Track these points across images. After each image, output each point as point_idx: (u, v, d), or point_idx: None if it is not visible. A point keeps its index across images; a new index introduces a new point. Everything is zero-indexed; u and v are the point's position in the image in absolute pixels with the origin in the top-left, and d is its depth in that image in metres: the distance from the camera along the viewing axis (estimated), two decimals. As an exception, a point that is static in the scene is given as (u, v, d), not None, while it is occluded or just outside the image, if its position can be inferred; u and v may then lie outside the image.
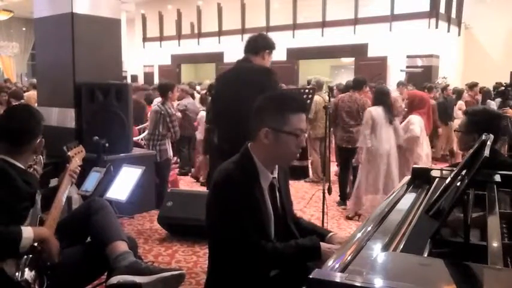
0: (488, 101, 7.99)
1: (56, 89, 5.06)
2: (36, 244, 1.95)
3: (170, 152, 5.31)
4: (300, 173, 6.68)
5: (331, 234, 1.95)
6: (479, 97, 8.64)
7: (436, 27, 11.80)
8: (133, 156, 4.77)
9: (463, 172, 1.40)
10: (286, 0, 13.97)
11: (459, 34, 13.31)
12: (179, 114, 6.80)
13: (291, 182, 3.95)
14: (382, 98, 4.76)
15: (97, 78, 4.82)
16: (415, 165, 2.13)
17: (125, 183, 3.50)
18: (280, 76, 3.30)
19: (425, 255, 1.17)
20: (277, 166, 1.89)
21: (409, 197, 1.74)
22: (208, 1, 15.63)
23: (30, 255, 1.93)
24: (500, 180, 1.76)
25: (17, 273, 1.88)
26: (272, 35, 3.39)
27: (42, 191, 2.25)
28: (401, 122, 5.18)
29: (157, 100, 6.25)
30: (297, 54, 13.42)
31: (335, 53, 13.62)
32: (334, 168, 6.58)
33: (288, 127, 1.75)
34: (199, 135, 6.65)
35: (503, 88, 6.46)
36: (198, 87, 9.51)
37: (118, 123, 4.63)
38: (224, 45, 15.44)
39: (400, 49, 11.84)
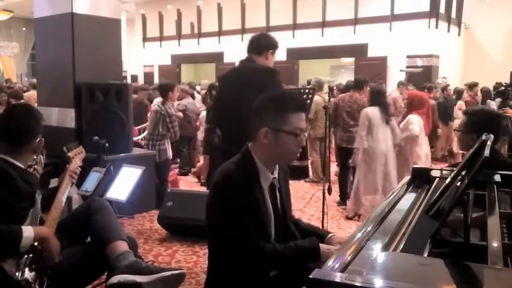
0: (488, 101, 8.00)
1: (56, 89, 5.06)
2: (36, 244, 1.95)
3: (170, 152, 5.31)
4: (300, 173, 6.68)
5: (330, 235, 1.95)
6: (479, 97, 8.63)
7: (436, 27, 11.80)
8: (133, 156, 4.77)
9: (463, 172, 1.40)
10: (286, 0, 13.97)
11: (459, 34, 13.31)
12: (180, 114, 6.81)
13: (291, 182, 3.95)
14: (378, 98, 4.77)
15: (97, 78, 4.82)
16: (415, 165, 2.13)
17: (125, 183, 3.50)
18: (280, 76, 3.29)
19: (425, 255, 1.17)
20: (277, 166, 1.89)
21: (409, 197, 1.74)
22: (208, 1, 15.63)
23: (31, 255, 1.94)
24: (500, 180, 1.76)
25: (17, 273, 1.88)
26: (272, 35, 3.38)
27: (42, 191, 2.25)
28: (400, 122, 5.19)
29: (158, 100, 6.25)
30: (297, 54, 13.41)
31: (335, 53, 13.62)
32: (334, 168, 6.58)
33: (287, 127, 1.75)
34: (201, 135, 6.65)
35: (503, 88, 6.46)
36: (198, 87, 9.51)
37: (118, 123, 4.64)
38: (224, 45, 15.44)
39: (400, 49, 11.84)
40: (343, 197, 5.37)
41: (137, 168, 3.61)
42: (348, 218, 4.94)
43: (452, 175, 1.50)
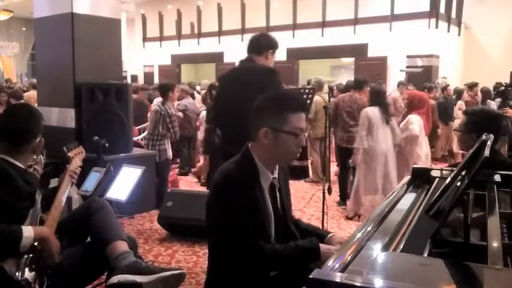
0: (488, 101, 8.00)
1: (56, 89, 5.06)
2: (36, 244, 1.95)
3: (169, 152, 5.31)
4: (300, 173, 6.68)
5: (330, 235, 1.94)
6: (479, 97, 8.63)
7: (436, 27, 11.79)
8: (133, 156, 4.77)
9: (463, 172, 1.40)
10: (286, 0, 13.96)
11: (459, 34, 13.31)
12: (181, 114, 6.82)
13: (291, 182, 3.95)
14: (378, 98, 4.77)
15: (97, 78, 4.82)
16: (415, 166, 2.13)
17: (125, 183, 3.50)
18: (280, 76, 3.29)
19: (425, 255, 1.17)
20: (277, 166, 1.89)
21: (409, 197, 1.74)
22: (208, 1, 15.63)
23: (31, 255, 1.93)
24: (500, 180, 1.76)
25: (17, 273, 1.88)
26: (272, 35, 3.37)
27: (42, 191, 2.25)
28: (400, 122, 5.19)
29: (158, 100, 6.25)
30: (297, 54, 13.41)
31: (335, 53, 13.62)
32: (334, 168, 6.58)
33: (287, 127, 1.75)
34: (201, 135, 6.65)
35: (503, 88, 6.46)
36: (198, 87, 9.52)
37: (118, 123, 4.64)
38: (224, 45, 15.44)
39: (400, 49, 11.84)
40: (343, 197, 5.37)
41: (137, 168, 3.61)
42: (348, 218, 4.94)
43: (452, 175, 1.50)
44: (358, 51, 12.78)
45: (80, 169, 2.44)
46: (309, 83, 7.48)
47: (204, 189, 5.69)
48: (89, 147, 3.40)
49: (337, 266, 1.06)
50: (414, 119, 5.02)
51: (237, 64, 3.39)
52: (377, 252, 1.16)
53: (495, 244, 1.17)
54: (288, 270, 1.73)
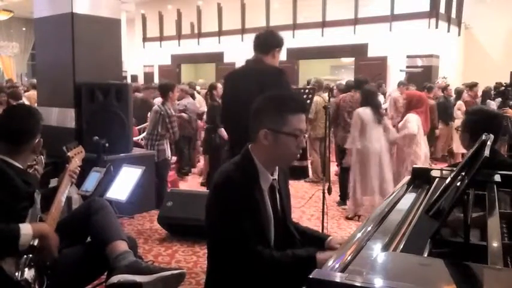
0: (488, 101, 7.99)
1: (56, 89, 5.07)
2: (36, 244, 1.94)
3: (168, 152, 5.32)
4: (300, 173, 6.68)
5: (330, 238, 1.94)
6: (479, 97, 8.63)
7: (436, 27, 11.79)
8: (133, 156, 4.77)
9: (463, 172, 1.40)
10: (286, 0, 13.96)
11: (459, 34, 13.30)
12: (185, 115, 6.83)
13: (290, 182, 3.96)
14: (369, 98, 4.80)
15: (97, 78, 4.82)
16: (415, 166, 2.13)
17: (125, 183, 3.50)
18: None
19: (425, 255, 1.17)
20: (277, 167, 1.88)
21: (409, 197, 1.74)
22: (208, 1, 15.62)
23: (30, 255, 1.93)
24: (500, 180, 1.76)
25: (16, 273, 1.87)
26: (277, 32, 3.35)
27: (41, 191, 2.25)
28: (399, 122, 5.19)
29: (158, 100, 6.25)
30: (297, 54, 13.41)
31: (335, 53, 13.61)
32: (334, 168, 6.58)
33: (287, 128, 1.74)
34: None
35: (503, 88, 6.45)
36: (198, 87, 9.52)
37: (118, 123, 4.64)
38: (224, 45, 15.43)
39: (400, 49, 11.83)
40: (343, 197, 5.37)
41: (137, 168, 3.61)
42: (347, 218, 4.94)
43: (452, 175, 1.50)
44: (358, 51, 12.77)
45: (79, 169, 2.44)
46: (308, 83, 7.48)
47: (204, 189, 5.69)
48: (89, 147, 3.40)
49: (337, 266, 1.06)
50: (412, 118, 5.02)
51: (239, 63, 3.37)
52: (377, 252, 1.16)
53: (495, 244, 1.17)
54: (284, 279, 1.72)
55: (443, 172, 1.97)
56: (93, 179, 3.02)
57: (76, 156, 2.47)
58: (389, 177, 4.80)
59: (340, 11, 12.96)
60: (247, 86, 2.92)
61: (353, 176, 4.85)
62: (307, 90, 4.13)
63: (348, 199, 5.27)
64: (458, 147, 7.41)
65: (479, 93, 8.69)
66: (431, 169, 2.01)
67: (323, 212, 3.96)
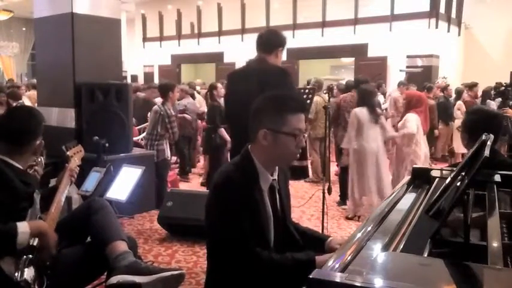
0: (488, 101, 7.99)
1: (56, 89, 5.07)
2: (35, 244, 1.94)
3: (168, 152, 5.32)
4: (300, 173, 6.68)
5: (330, 238, 1.94)
6: (479, 97, 8.62)
7: (436, 27, 11.79)
8: (133, 156, 4.77)
9: (463, 172, 1.40)
10: (286, 0, 13.96)
11: (459, 34, 13.30)
12: (188, 116, 6.83)
13: (290, 182, 3.95)
14: (366, 98, 4.82)
15: (97, 78, 4.82)
16: (415, 166, 2.13)
17: (125, 183, 3.50)
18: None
19: (425, 255, 1.17)
20: (277, 168, 1.88)
21: (409, 197, 1.73)
22: (208, 1, 15.62)
23: (30, 256, 1.93)
24: (500, 180, 1.76)
25: (16, 273, 1.87)
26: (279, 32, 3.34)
27: (41, 191, 2.25)
28: (399, 121, 5.20)
29: (158, 100, 6.25)
30: (297, 54, 13.41)
31: (335, 53, 13.62)
32: (334, 168, 6.58)
33: (286, 128, 1.74)
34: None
35: (503, 88, 6.45)
36: (198, 87, 9.53)
37: (118, 123, 4.64)
38: (224, 45, 15.44)
39: (400, 49, 11.83)
40: (343, 197, 5.37)
41: (137, 168, 3.62)
42: (347, 218, 4.95)
43: (452, 175, 1.50)
44: (358, 51, 12.77)
45: (79, 168, 2.44)
46: (308, 83, 7.48)
47: (204, 189, 5.69)
48: (89, 147, 3.41)
49: (337, 266, 1.06)
50: (412, 118, 5.03)
51: (239, 63, 3.37)
52: (377, 252, 1.16)
53: (495, 244, 1.17)
54: (283, 281, 1.72)
55: (443, 172, 1.97)
56: (93, 179, 3.02)
57: (75, 156, 2.47)
58: (387, 176, 4.81)
59: (340, 11, 12.96)
60: (250, 86, 2.90)
61: (351, 176, 4.87)
62: (307, 90, 4.13)
63: (347, 199, 5.28)
64: (459, 147, 7.40)
65: (479, 93, 8.69)
66: (431, 169, 2.01)
67: (323, 212, 3.95)
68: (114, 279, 1.97)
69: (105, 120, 4.58)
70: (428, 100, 6.76)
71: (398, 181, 4.29)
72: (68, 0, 4.74)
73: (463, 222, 1.26)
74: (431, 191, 1.76)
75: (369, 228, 1.34)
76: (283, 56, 3.39)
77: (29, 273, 1.89)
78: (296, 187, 6.18)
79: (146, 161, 4.64)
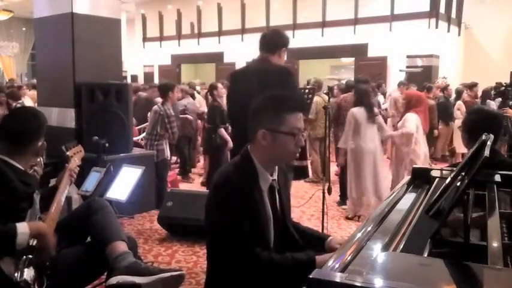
0: (488, 101, 7.99)
1: (56, 89, 5.07)
2: (34, 244, 1.94)
3: (167, 152, 5.31)
4: (300, 173, 6.67)
5: (330, 238, 1.94)
6: (479, 97, 8.63)
7: (436, 27, 11.79)
8: (133, 156, 4.77)
9: (463, 172, 1.40)
10: (286, 0, 13.97)
11: (459, 34, 13.31)
12: (190, 117, 6.83)
13: (290, 182, 3.95)
14: (362, 98, 4.82)
15: (97, 78, 4.82)
16: (415, 166, 2.13)
17: (125, 183, 3.50)
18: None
19: (425, 255, 1.17)
20: (277, 168, 1.88)
21: (409, 197, 1.73)
22: (208, 1, 15.63)
23: (30, 256, 1.93)
24: (500, 180, 1.76)
25: (16, 274, 1.87)
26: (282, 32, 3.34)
27: (41, 191, 2.24)
28: (398, 121, 5.20)
29: (158, 100, 6.25)
30: (297, 54, 13.40)
31: (335, 53, 13.62)
32: (334, 168, 6.58)
33: (285, 127, 1.74)
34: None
35: (503, 88, 6.45)
36: (198, 87, 9.53)
37: (118, 123, 4.64)
38: (224, 45, 15.44)
39: (400, 49, 11.84)
40: (343, 197, 5.37)
41: (137, 168, 3.62)
42: (347, 218, 4.95)
43: (452, 175, 1.50)
44: (358, 51, 12.78)
45: (79, 168, 2.44)
46: (308, 83, 7.48)
47: (204, 189, 5.69)
48: (89, 147, 3.40)
49: (337, 266, 1.06)
50: (411, 117, 5.02)
51: (239, 63, 3.37)
52: (377, 252, 1.16)
53: (495, 244, 1.17)
54: (283, 281, 1.72)
55: (443, 172, 1.97)
56: (93, 179, 3.02)
57: (75, 156, 2.47)
58: (383, 176, 4.82)
59: (340, 11, 12.97)
60: (251, 86, 2.89)
61: (349, 176, 4.88)
62: (307, 90, 4.13)
63: (348, 199, 5.28)
64: (459, 147, 7.40)
65: (479, 93, 8.69)
66: (431, 169, 2.00)
67: (323, 212, 3.95)
68: (114, 280, 1.97)
69: (105, 120, 4.58)
70: (428, 100, 6.76)
71: (398, 181, 4.30)
72: (68, 0, 4.74)
73: (463, 222, 1.26)
74: (431, 191, 1.76)
75: (369, 228, 1.34)
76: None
77: (28, 273, 1.89)
78: (296, 187, 6.17)
79: (146, 161, 4.64)
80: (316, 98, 6.08)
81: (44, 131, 2.22)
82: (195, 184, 6.61)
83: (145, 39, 18.22)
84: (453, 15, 12.79)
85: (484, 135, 1.51)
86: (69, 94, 4.85)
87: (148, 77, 17.34)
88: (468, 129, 2.48)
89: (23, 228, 1.91)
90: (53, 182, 2.78)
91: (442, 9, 12.14)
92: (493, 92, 7.85)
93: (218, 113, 5.67)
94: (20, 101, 6.98)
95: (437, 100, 8.35)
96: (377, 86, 8.62)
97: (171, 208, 4.15)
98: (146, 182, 4.42)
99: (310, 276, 0.94)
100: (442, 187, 1.50)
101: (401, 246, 1.23)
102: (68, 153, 2.44)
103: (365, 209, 4.76)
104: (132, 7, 17.86)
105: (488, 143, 1.40)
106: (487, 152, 1.29)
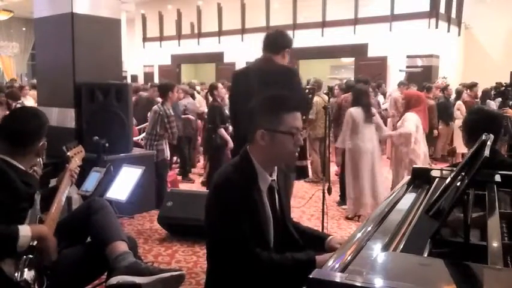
0: (488, 101, 8.00)
1: (56, 89, 5.07)
2: (35, 244, 1.94)
3: (167, 152, 5.31)
4: (300, 173, 6.67)
5: (330, 237, 1.94)
6: (479, 98, 8.63)
7: (436, 27, 11.80)
8: (133, 156, 4.77)
9: (463, 172, 1.40)
10: (286, 0, 13.97)
11: (459, 34, 13.31)
12: (192, 117, 6.83)
13: (291, 182, 3.95)
14: (360, 98, 4.83)
15: (97, 78, 4.82)
16: (415, 166, 2.14)
17: (125, 183, 3.50)
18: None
19: (425, 255, 1.17)
20: (276, 168, 1.88)
21: (409, 197, 1.73)
22: (208, 1, 15.63)
23: (30, 256, 1.93)
24: (500, 180, 1.76)
25: (16, 274, 1.87)
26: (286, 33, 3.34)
27: (41, 191, 2.24)
28: (398, 121, 5.20)
29: (158, 100, 6.25)
30: (297, 54, 13.37)
31: (335, 53, 13.63)
32: (334, 168, 6.58)
33: (283, 127, 1.74)
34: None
35: (503, 88, 6.46)
36: (198, 87, 9.53)
37: (118, 123, 4.64)
38: (224, 45, 15.44)
39: (400, 49, 11.84)
40: (343, 197, 5.37)
41: (137, 168, 3.61)
42: (347, 218, 4.94)
43: (452, 175, 1.50)
44: (358, 51, 12.78)
45: (79, 168, 2.44)
46: (308, 82, 7.48)
47: (204, 189, 5.69)
48: (89, 147, 3.40)
49: (337, 266, 1.06)
50: (410, 117, 5.02)
51: (239, 63, 3.36)
52: (377, 252, 1.16)
53: (495, 244, 1.17)
54: (283, 281, 1.71)
55: (443, 172, 1.97)
56: (93, 179, 3.02)
57: (76, 156, 2.47)
58: (381, 177, 4.82)
59: (340, 11, 12.97)
60: (253, 86, 2.87)
61: (347, 176, 4.89)
62: (306, 90, 4.13)
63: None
64: (460, 147, 7.40)
65: (479, 93, 8.69)
66: (431, 169, 2.00)
67: (323, 212, 3.95)
68: (114, 280, 1.97)
69: (105, 120, 4.58)
70: (428, 100, 6.76)
71: (398, 181, 4.30)
72: (68, 0, 4.74)
73: (463, 222, 1.26)
74: (431, 191, 1.76)
75: (369, 228, 1.34)
76: (283, 56, 3.37)
77: (29, 273, 1.89)
78: (296, 187, 6.16)
79: (146, 161, 4.64)
80: (316, 98, 6.08)
81: (46, 131, 2.22)
82: (195, 184, 6.61)
83: (145, 39, 18.22)
84: (453, 15, 12.80)
85: (484, 135, 1.51)
86: (69, 94, 4.85)
87: (148, 77, 17.35)
88: (468, 129, 2.48)
89: (25, 231, 1.91)
90: (53, 182, 2.79)
91: (442, 9, 12.15)
92: (493, 92, 7.86)
93: (218, 113, 5.67)
94: (20, 101, 6.98)
95: (437, 100, 8.35)
96: (377, 86, 8.62)
97: (171, 208, 4.15)
98: (146, 182, 4.42)
99: (310, 276, 0.94)
100: (442, 187, 1.50)
101: (401, 246, 1.23)
102: (68, 153, 2.44)
103: (364, 209, 4.76)
104: (132, 7, 17.86)
105: (488, 143, 1.40)
106: (487, 152, 1.29)
